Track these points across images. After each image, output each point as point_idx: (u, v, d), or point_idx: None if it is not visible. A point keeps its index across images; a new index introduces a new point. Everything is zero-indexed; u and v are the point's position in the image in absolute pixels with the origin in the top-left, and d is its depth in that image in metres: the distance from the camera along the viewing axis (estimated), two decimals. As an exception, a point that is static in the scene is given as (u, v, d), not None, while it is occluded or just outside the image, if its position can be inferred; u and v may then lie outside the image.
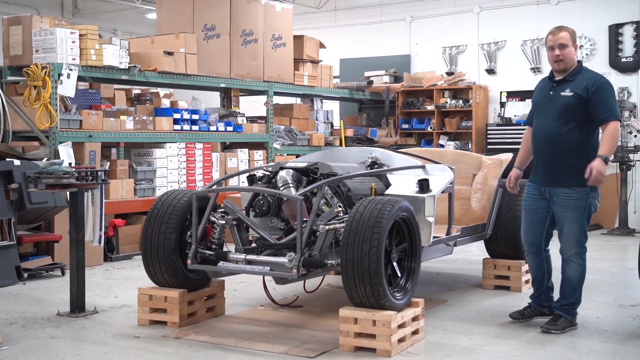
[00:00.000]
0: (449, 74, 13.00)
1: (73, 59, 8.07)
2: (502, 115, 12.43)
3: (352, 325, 4.70)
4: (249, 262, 5.13)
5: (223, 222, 5.33)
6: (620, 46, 11.66)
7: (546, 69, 12.08)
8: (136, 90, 10.71)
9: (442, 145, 12.44)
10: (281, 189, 5.36)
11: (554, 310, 5.36)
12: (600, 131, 5.14)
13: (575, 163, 5.08)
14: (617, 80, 11.70)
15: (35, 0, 13.97)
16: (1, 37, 8.70)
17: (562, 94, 5.10)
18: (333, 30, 14.24)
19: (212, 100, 12.50)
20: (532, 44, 12.33)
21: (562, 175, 5.14)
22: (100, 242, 6.48)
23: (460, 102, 12.65)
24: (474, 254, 8.56)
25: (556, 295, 5.46)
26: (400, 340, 4.74)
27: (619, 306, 6.12)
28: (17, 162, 7.23)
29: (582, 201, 5.12)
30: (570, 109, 5.06)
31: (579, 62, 5.25)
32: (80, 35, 8.17)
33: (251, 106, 12.42)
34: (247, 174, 5.94)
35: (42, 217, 7.57)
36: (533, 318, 5.44)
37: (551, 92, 5.19)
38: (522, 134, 5.79)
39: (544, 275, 5.45)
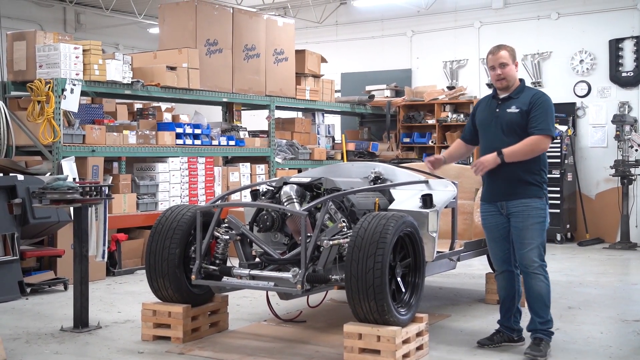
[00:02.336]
0: (450, 88, 13.05)
1: (76, 74, 8.11)
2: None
3: (357, 341, 4.70)
4: (253, 277, 5.13)
5: (227, 237, 5.34)
6: (620, 61, 11.71)
7: (547, 83, 12.16)
8: (138, 104, 10.74)
9: (444, 159, 12.43)
10: (285, 204, 5.38)
11: (531, 333, 5.14)
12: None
13: (529, 178, 5.08)
14: (617, 94, 11.77)
15: (37, 15, 14.06)
16: (5, 52, 8.73)
17: (508, 110, 5.15)
18: (334, 44, 14.30)
19: (214, 114, 12.54)
20: (533, 58, 12.38)
21: (517, 189, 5.10)
22: (104, 257, 6.47)
23: (462, 116, 12.68)
24: (476, 268, 8.56)
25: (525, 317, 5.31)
26: (405, 355, 4.73)
27: (622, 321, 6.11)
28: (20, 177, 7.24)
29: (541, 211, 5.07)
30: (518, 125, 5.10)
31: (522, 80, 5.29)
32: (83, 50, 8.22)
33: (253, 120, 12.45)
34: (251, 189, 5.96)
35: (45, 232, 7.57)
36: (502, 344, 5.23)
37: (497, 110, 5.22)
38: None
39: (514, 296, 5.30)
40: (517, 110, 5.11)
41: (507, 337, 5.27)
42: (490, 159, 5.02)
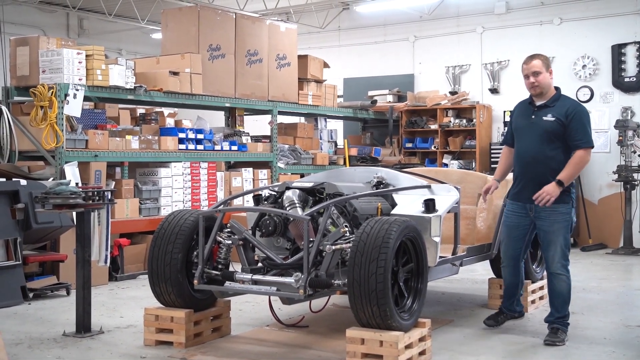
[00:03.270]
0: (453, 93, 13.05)
1: (79, 79, 8.13)
2: (505, 134, 12.45)
3: (359, 346, 4.69)
4: (256, 282, 5.12)
5: (229, 242, 5.34)
6: (623, 66, 11.71)
7: (549, 88, 12.14)
8: (141, 109, 10.76)
9: (446, 165, 12.46)
10: (288, 209, 5.37)
11: (549, 324, 5.56)
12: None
13: None
14: (620, 100, 11.77)
15: (40, 20, 14.09)
16: (8, 57, 8.76)
17: (544, 118, 5.43)
18: (337, 49, 14.32)
19: (216, 119, 12.55)
20: (535, 63, 12.36)
21: None
22: (106, 262, 6.47)
23: (464, 121, 12.69)
24: (479, 273, 8.54)
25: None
26: (408, 361, 4.73)
27: (626, 327, 6.10)
28: (23, 182, 7.24)
29: (567, 215, 5.43)
30: (553, 132, 5.40)
31: (558, 88, 5.55)
32: (86, 55, 8.24)
33: (255, 125, 12.47)
34: (253, 194, 5.95)
35: (48, 236, 7.58)
36: (505, 322, 5.87)
37: (533, 117, 5.51)
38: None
39: (518, 284, 5.91)
40: (554, 119, 5.39)
41: (509, 317, 5.80)
42: (554, 189, 5.29)
